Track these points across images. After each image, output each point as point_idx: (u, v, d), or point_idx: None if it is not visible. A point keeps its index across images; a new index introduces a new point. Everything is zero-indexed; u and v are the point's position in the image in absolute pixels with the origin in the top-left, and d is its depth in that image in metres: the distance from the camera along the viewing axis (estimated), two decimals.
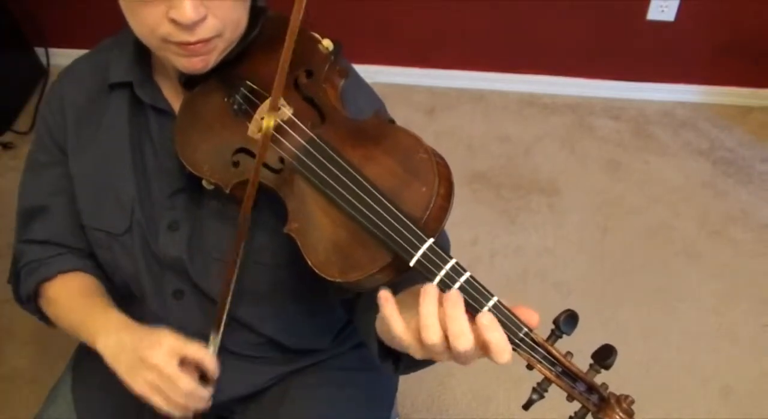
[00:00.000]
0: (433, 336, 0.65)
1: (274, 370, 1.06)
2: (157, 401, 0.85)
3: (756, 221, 2.13)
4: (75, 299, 0.98)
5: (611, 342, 0.68)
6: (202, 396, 0.88)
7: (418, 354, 0.69)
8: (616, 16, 2.33)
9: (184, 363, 0.86)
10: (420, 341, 0.66)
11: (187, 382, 0.85)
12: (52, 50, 2.65)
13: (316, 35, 0.87)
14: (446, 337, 0.65)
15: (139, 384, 0.85)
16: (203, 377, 0.89)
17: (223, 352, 1.01)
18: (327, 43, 0.86)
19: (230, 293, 0.88)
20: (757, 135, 2.40)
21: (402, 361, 0.84)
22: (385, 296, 0.68)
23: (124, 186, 0.93)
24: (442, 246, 0.68)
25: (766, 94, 2.48)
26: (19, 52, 2.59)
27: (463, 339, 0.64)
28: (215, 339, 0.91)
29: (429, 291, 0.66)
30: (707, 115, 2.47)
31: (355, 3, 2.40)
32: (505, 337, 0.65)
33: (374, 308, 0.81)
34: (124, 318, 0.93)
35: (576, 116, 2.48)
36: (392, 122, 0.97)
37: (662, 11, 2.29)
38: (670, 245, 2.08)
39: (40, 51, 2.65)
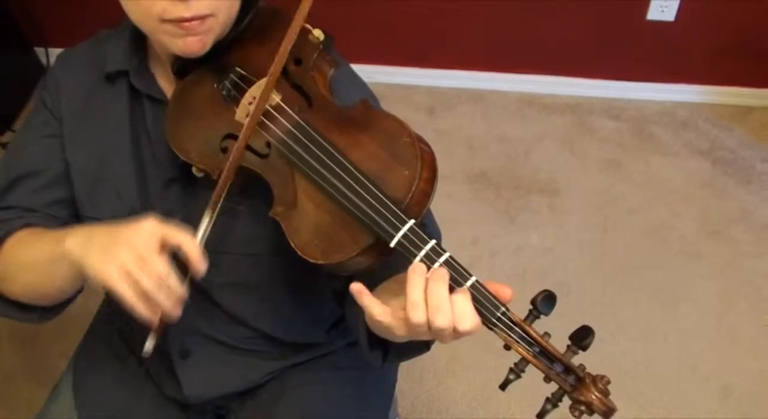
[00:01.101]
0: (420, 314, 0.67)
1: (270, 365, 1.06)
2: (124, 289, 0.73)
3: (756, 221, 2.13)
4: (38, 232, 0.91)
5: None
6: (175, 287, 0.75)
7: (400, 332, 0.71)
8: (616, 16, 2.33)
9: (164, 249, 0.76)
10: (403, 320, 0.69)
11: (161, 264, 0.74)
12: (52, 50, 2.65)
13: (307, 25, 0.88)
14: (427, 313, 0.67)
15: (108, 266, 0.74)
16: (183, 273, 0.79)
17: (218, 346, 1.02)
18: (318, 34, 0.87)
19: (232, 172, 0.80)
20: (757, 135, 2.40)
21: (390, 351, 0.85)
22: (358, 290, 0.71)
23: (123, 175, 0.94)
24: (426, 231, 0.70)
25: (766, 94, 2.48)
26: (19, 52, 2.59)
27: (441, 315, 0.66)
28: (207, 223, 0.81)
29: (417, 268, 0.68)
30: (707, 115, 2.47)
31: (355, 3, 2.40)
32: (470, 306, 0.67)
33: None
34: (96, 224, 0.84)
35: (576, 116, 2.48)
36: None
37: (662, 11, 2.29)
38: (670, 245, 2.08)
39: (40, 51, 2.65)
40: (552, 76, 2.53)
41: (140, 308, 0.74)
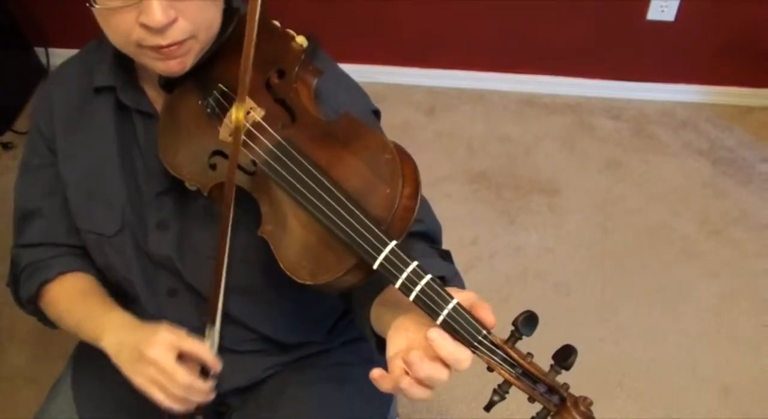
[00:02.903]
0: (421, 395, 0.68)
1: (270, 361, 1.06)
2: (158, 396, 0.86)
3: (756, 221, 2.13)
4: (76, 301, 0.99)
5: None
6: (201, 389, 0.88)
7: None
8: (616, 16, 2.33)
9: (183, 357, 0.87)
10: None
11: (184, 375, 0.85)
12: (52, 50, 2.65)
13: (291, 32, 0.87)
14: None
15: (140, 379, 0.86)
16: (204, 370, 0.90)
17: (219, 348, 1.02)
18: (301, 40, 0.86)
19: (222, 285, 0.88)
20: (757, 135, 2.40)
21: None
22: (380, 376, 0.71)
23: (114, 188, 0.94)
24: (431, 235, 0.69)
25: (766, 94, 2.48)
26: (19, 52, 2.59)
27: (435, 382, 0.67)
28: (211, 332, 0.91)
29: (401, 381, 0.68)
30: (707, 115, 2.47)
31: (355, 3, 2.40)
32: (457, 348, 0.66)
33: (369, 298, 0.82)
34: (124, 317, 0.94)
35: (576, 116, 2.48)
36: (377, 112, 0.98)
37: (662, 11, 2.29)
38: (670, 245, 2.08)
39: (40, 51, 2.65)
40: (552, 76, 2.53)
41: (176, 408, 0.87)
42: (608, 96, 2.52)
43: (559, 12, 2.35)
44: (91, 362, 1.11)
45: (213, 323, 0.91)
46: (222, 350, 1.02)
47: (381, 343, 0.83)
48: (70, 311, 0.99)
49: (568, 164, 2.31)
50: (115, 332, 0.92)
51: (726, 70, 2.43)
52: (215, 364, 0.90)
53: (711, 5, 2.27)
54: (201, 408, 0.92)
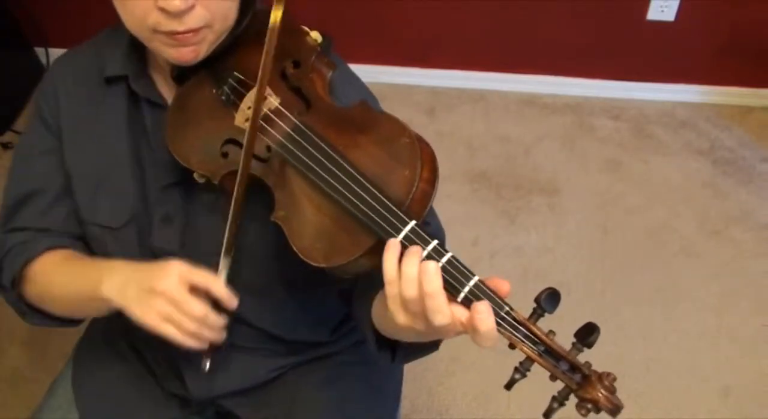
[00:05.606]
0: (393, 290, 0.66)
1: (275, 362, 1.06)
2: (170, 331, 0.81)
3: (756, 221, 2.13)
4: (66, 262, 0.95)
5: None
6: (215, 322, 0.84)
7: (400, 320, 0.69)
8: (616, 16, 2.33)
9: (195, 290, 0.83)
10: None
11: (198, 307, 0.81)
12: (52, 50, 2.65)
13: (304, 28, 0.88)
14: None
15: (150, 315, 0.81)
16: (217, 305, 0.85)
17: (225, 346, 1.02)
18: (315, 35, 0.87)
19: (235, 214, 0.84)
20: (757, 135, 2.40)
21: (398, 351, 0.84)
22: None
23: (123, 180, 0.94)
24: (431, 232, 0.69)
25: (766, 94, 2.48)
26: (19, 52, 2.59)
27: (440, 316, 0.65)
28: (225, 265, 0.87)
29: (391, 246, 0.67)
30: (707, 115, 2.47)
31: (355, 3, 2.40)
32: (495, 327, 0.65)
33: (369, 297, 0.82)
34: (125, 261, 0.89)
35: (576, 116, 2.48)
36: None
37: (662, 11, 2.29)
38: (670, 245, 2.08)
39: (40, 51, 2.65)
40: (552, 76, 2.53)
41: (189, 344, 0.83)
42: (608, 96, 2.52)
43: (559, 12, 2.35)
44: (92, 360, 1.11)
45: (228, 252, 0.86)
46: (229, 347, 1.03)
47: (380, 339, 0.83)
48: (60, 274, 0.94)
49: (568, 164, 2.31)
50: (118, 272, 0.87)
51: (726, 70, 2.43)
52: (229, 298, 0.84)
53: (711, 5, 2.27)
54: (214, 348, 0.90)
